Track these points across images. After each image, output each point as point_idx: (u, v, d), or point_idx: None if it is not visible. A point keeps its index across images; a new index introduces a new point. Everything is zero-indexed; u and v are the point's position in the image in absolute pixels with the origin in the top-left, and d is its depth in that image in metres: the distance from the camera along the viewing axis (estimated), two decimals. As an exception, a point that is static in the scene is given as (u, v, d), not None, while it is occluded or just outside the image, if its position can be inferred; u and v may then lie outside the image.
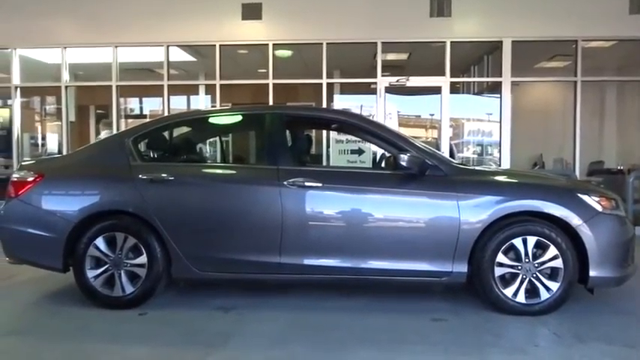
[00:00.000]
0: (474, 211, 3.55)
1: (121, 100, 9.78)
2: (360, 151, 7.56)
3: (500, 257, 3.54)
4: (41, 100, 11.85)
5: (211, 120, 4.38)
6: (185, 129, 4.50)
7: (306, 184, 3.62)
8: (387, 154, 4.42)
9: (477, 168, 4.05)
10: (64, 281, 4.13)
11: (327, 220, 3.66)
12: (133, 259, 3.72)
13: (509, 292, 3.55)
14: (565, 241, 3.49)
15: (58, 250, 3.74)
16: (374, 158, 7.64)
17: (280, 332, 3.25)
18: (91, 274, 3.73)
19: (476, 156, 10.84)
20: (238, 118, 4.43)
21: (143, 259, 3.70)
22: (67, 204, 3.82)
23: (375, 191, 3.65)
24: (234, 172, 3.88)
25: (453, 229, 3.54)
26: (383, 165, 4.54)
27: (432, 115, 9.45)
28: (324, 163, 7.74)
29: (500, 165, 8.07)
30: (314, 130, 6.70)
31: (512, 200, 3.56)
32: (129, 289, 3.72)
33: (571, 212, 3.51)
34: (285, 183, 3.63)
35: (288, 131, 4.04)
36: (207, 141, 6.64)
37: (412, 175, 3.61)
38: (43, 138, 10.53)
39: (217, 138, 5.47)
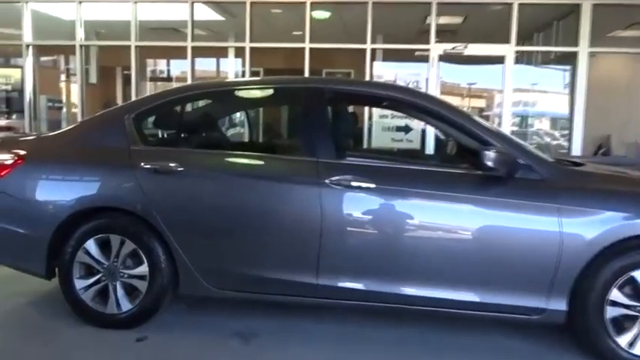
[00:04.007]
0: (583, 231, 2.61)
1: (145, 62, 8.98)
2: (406, 129, 6.59)
3: (615, 294, 2.61)
4: (62, 59, 11.16)
5: (234, 94, 3.44)
6: (201, 105, 3.63)
7: (355, 184, 2.73)
8: (448, 141, 3.51)
9: (586, 169, 3.05)
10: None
11: (381, 233, 2.78)
12: (131, 269, 2.95)
13: (623, 341, 2.63)
14: None
15: (41, 252, 2.99)
16: (423, 136, 6.67)
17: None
18: (79, 284, 2.98)
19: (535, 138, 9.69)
20: (268, 92, 3.49)
21: (143, 269, 2.92)
22: (51, 195, 3.04)
23: (446, 198, 2.73)
24: (261, 163, 3.00)
25: (550, 253, 2.63)
26: (448, 153, 3.60)
27: (487, 88, 8.36)
28: (364, 142, 6.71)
29: (570, 147, 6.97)
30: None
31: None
32: (125, 305, 2.95)
33: None
34: (326, 181, 2.75)
35: (331, 112, 3.13)
36: (229, 122, 5.70)
37: (497, 178, 2.69)
38: (62, 101, 9.85)
39: (241, 118, 4.59)
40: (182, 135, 3.55)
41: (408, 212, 2.76)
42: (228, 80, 3.34)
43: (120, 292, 2.94)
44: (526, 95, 8.55)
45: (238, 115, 4.98)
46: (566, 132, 7.46)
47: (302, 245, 2.80)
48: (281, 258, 2.85)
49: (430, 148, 6.43)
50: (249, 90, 3.44)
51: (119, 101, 11.38)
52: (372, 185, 2.72)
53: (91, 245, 2.95)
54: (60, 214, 2.95)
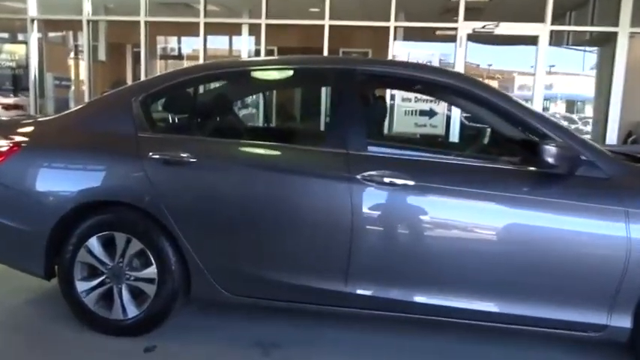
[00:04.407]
0: None
1: (156, 39, 8.61)
2: (431, 113, 6.19)
3: (691, 312, 2.28)
4: (70, 36, 10.82)
5: (254, 76, 3.05)
6: (216, 88, 3.27)
7: (391, 180, 2.39)
8: (488, 132, 3.15)
9: None
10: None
11: (420, 237, 2.44)
12: (138, 271, 2.65)
13: (698, 365, 2.30)
14: None
15: (39, 250, 2.69)
16: (447, 122, 6.25)
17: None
18: (81, 286, 2.69)
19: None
20: (292, 74, 3.10)
21: (152, 271, 2.61)
22: (50, 186, 2.73)
23: (496, 198, 2.38)
24: (283, 155, 2.66)
25: (615, 263, 2.28)
26: (492, 145, 3.23)
27: (515, 70, 7.89)
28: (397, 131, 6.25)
29: (605, 135, 6.54)
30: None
31: None
32: (132, 311, 2.65)
33: None
34: (358, 177, 2.41)
35: (362, 97, 2.77)
36: (247, 106, 5.27)
37: (556, 176, 2.34)
38: (69, 79, 9.52)
39: (261, 102, 4.20)
40: (195, 121, 3.21)
41: (453, 214, 2.41)
42: (246, 59, 2.94)
43: (126, 295, 2.65)
44: (557, 78, 8.09)
45: (257, 100, 4.56)
46: (590, 116, 7.00)
47: (330, 249, 2.48)
48: (305, 262, 2.52)
49: (458, 136, 6.01)
50: (270, 71, 3.05)
51: (129, 80, 11.04)
52: (411, 182, 2.38)
53: (93, 244, 2.65)
54: (59, 208, 2.64)
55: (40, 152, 2.78)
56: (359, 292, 2.47)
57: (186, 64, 12.79)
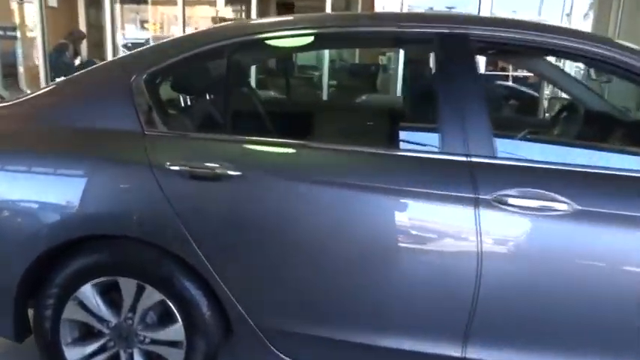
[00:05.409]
0: None
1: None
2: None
3: None
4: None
5: (319, 41, 2.07)
6: (260, 59, 2.33)
7: (541, 204, 1.62)
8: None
9: None
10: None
11: (581, 284, 1.66)
12: (155, 330, 1.85)
13: None
14: None
15: (6, 305, 1.85)
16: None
17: None
18: (73, 354, 1.87)
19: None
20: (374, 41, 2.20)
21: (177, 330, 1.82)
22: (20, 216, 1.84)
23: None
24: (372, 164, 1.80)
25: None
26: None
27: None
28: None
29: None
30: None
31: None
32: (149, 386, 1.87)
33: None
34: (488, 198, 1.62)
35: (482, 76, 1.93)
36: (311, 88, 4.01)
37: None
38: (15, 29, 8.10)
39: (331, 82, 3.07)
40: (235, 111, 2.23)
41: (629, 256, 1.66)
42: (307, 17, 1.98)
43: (139, 364, 1.86)
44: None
45: (326, 80, 3.43)
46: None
47: (442, 299, 1.71)
48: (404, 317, 1.76)
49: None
50: (343, 36, 2.03)
51: (83, 28, 9.63)
52: (573, 206, 1.61)
53: (87, 294, 1.83)
54: (29, 249, 1.78)
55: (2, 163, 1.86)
56: (482, 356, 1.74)
57: (164, 10, 11.39)
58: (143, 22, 12.87)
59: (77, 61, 7.10)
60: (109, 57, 7.02)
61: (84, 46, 7.93)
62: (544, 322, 1.69)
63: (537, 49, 1.92)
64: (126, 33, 10.60)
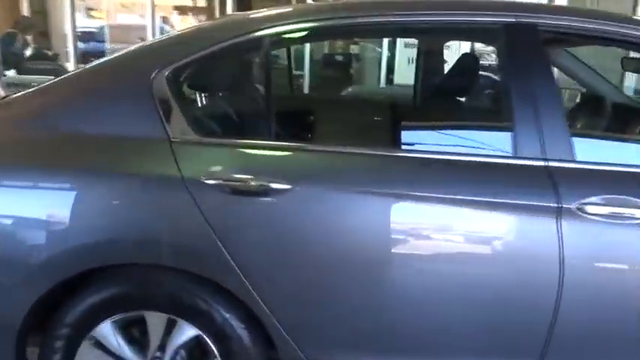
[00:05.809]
0: None
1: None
2: None
3: None
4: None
5: (371, 31, 1.83)
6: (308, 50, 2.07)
7: (631, 212, 1.46)
8: None
9: None
10: None
11: None
12: (190, 373, 1.58)
13: None
14: None
15: (6, 349, 1.53)
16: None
17: None
18: (87, 403, 1.58)
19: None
20: (435, 30, 1.95)
21: (216, 371, 1.56)
22: (20, 244, 1.51)
23: None
24: (442, 172, 1.56)
25: None
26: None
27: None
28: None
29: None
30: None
31: None
32: None
33: None
34: (572, 207, 1.45)
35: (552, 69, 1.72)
36: (368, 84, 3.60)
37: None
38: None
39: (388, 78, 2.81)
40: (284, 113, 1.89)
41: None
42: (360, 3, 1.72)
43: (171, 415, 1.58)
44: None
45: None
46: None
47: (517, 320, 1.53)
48: (480, 341, 1.57)
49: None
50: (402, 22, 1.73)
51: (26, 13, 8.88)
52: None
53: (106, 333, 1.53)
54: (38, 282, 1.47)
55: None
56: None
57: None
58: (89, 10, 12.26)
59: (28, 52, 6.54)
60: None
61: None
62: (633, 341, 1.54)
63: (611, 41, 1.76)
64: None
